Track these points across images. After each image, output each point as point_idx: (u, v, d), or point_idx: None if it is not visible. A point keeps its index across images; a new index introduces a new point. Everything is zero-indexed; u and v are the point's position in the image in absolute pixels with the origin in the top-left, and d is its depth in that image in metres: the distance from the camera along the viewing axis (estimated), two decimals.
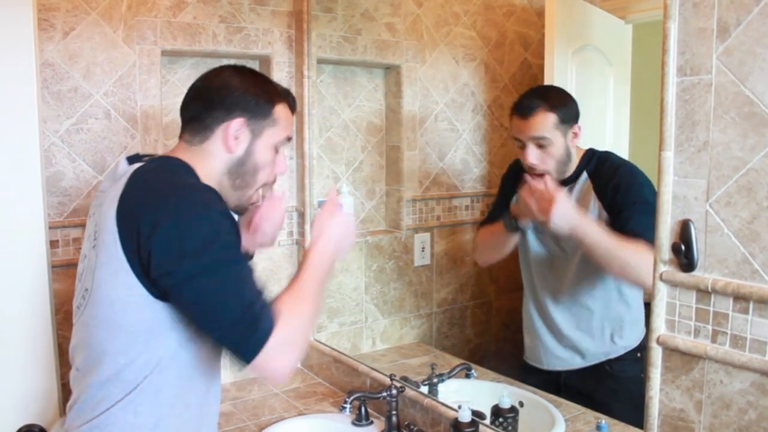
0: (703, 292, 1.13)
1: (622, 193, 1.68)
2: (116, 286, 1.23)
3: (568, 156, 1.77)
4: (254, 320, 1.18)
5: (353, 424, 1.90)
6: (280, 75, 2.36)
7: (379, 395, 1.82)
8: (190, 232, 1.18)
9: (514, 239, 1.93)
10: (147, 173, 1.29)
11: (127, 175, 1.28)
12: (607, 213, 1.70)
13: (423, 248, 2.52)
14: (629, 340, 1.77)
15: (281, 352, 1.20)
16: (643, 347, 1.72)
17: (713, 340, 1.12)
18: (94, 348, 1.28)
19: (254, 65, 2.37)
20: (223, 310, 1.19)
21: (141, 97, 2.08)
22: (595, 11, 2.12)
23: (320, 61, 2.38)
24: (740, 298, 1.07)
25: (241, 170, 1.39)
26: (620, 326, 1.79)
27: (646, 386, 1.22)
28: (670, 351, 1.18)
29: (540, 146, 1.75)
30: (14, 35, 1.70)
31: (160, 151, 2.02)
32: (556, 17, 2.19)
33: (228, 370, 2.33)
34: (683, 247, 1.14)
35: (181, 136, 1.41)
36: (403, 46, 2.48)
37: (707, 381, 1.13)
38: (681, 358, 1.17)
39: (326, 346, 2.33)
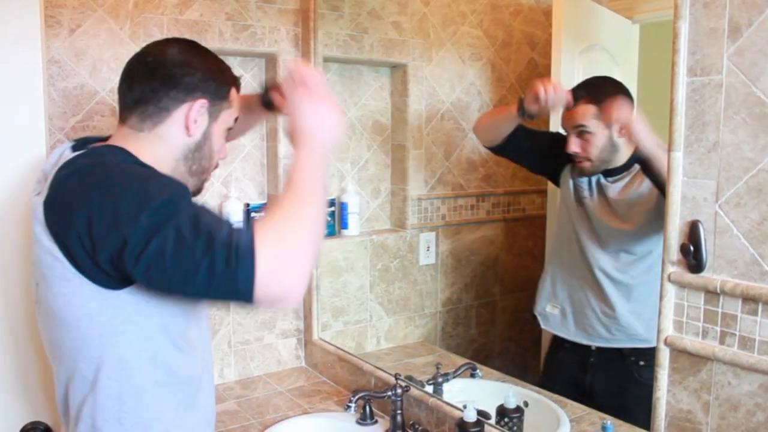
0: (712, 294, 1.12)
1: None
2: (60, 281, 1.15)
3: (613, 147, 1.78)
4: (226, 253, 1.02)
5: (358, 423, 1.89)
6: (286, 73, 2.35)
7: (384, 394, 1.82)
8: (121, 206, 1.06)
9: (513, 126, 1.96)
10: (71, 176, 1.16)
11: (52, 175, 1.18)
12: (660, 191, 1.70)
13: (428, 247, 2.52)
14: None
15: (280, 270, 1.05)
16: None
17: (721, 342, 1.12)
18: (53, 344, 1.22)
19: (261, 63, 2.37)
20: (188, 260, 1.03)
21: None
22: (602, 11, 2.12)
23: (326, 60, 2.38)
24: (749, 300, 1.07)
25: (198, 155, 1.32)
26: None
27: (653, 387, 1.22)
28: (677, 352, 1.18)
29: (580, 135, 1.79)
30: (21, 31, 1.69)
31: None
32: (563, 17, 2.19)
33: (232, 368, 2.33)
34: (692, 248, 1.14)
35: (123, 121, 1.30)
36: (409, 45, 2.47)
37: (715, 382, 1.13)
38: (689, 360, 1.16)
39: (331, 344, 2.33)
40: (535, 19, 2.53)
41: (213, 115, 1.32)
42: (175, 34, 2.09)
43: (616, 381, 1.82)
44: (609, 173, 1.81)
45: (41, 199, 1.17)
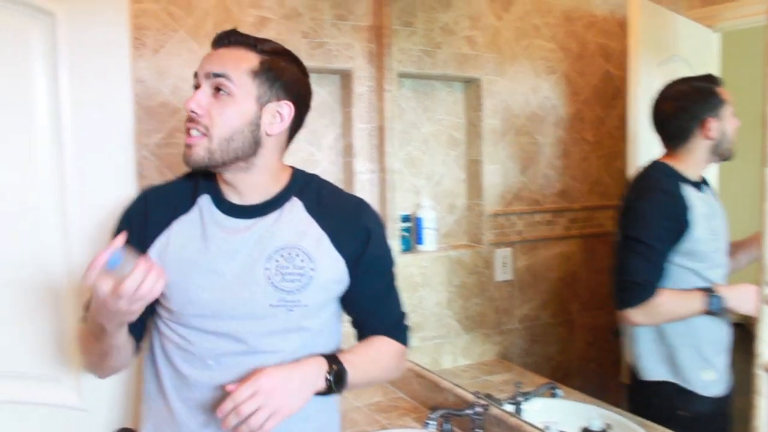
0: None
1: None
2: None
3: None
4: None
5: None
6: (361, 89, 2.37)
7: (464, 412, 1.80)
8: None
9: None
10: None
11: None
12: None
13: (504, 263, 2.49)
14: None
15: None
16: None
17: None
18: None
19: (335, 80, 2.39)
20: None
21: None
22: (680, 20, 2.07)
23: (400, 75, 2.38)
24: None
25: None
26: None
27: (751, 415, 1.17)
28: None
29: None
30: (112, 56, 1.74)
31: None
32: (639, 27, 2.15)
33: None
34: None
35: None
36: (482, 60, 2.46)
37: None
38: None
39: (408, 360, 2.32)
40: (609, 31, 2.49)
41: None
42: None
43: None
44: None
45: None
